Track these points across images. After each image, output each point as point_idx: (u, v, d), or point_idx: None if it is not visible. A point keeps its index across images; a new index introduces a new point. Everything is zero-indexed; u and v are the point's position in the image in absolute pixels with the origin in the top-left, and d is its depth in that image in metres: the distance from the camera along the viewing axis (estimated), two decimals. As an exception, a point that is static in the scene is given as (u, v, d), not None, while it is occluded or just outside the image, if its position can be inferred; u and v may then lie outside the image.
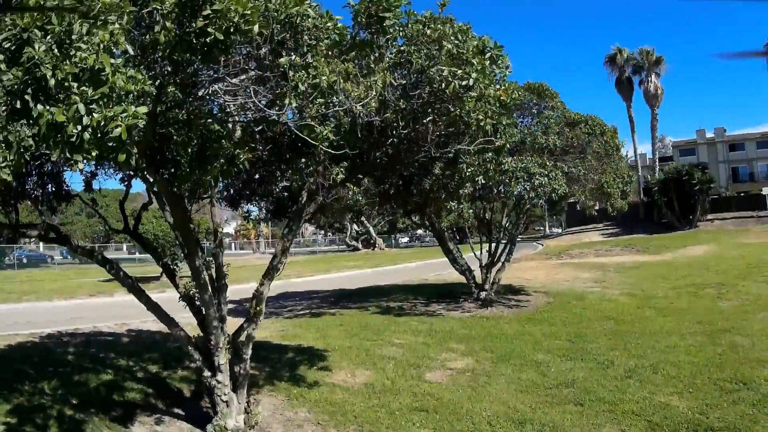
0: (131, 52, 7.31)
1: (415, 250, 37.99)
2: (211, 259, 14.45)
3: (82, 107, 6.39)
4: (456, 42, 10.55)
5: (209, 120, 9.13)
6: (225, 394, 13.51)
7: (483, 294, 28.84)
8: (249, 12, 7.38)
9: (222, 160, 10.00)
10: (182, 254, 14.13)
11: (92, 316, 25.67)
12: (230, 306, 29.71)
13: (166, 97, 8.94)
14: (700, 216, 75.90)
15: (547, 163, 24.38)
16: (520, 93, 25.52)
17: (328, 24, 9.19)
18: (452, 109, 10.71)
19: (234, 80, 9.03)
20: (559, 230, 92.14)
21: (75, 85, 6.50)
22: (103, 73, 6.54)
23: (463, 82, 10.28)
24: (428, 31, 10.42)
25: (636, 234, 69.86)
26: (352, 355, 20.04)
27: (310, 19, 8.69)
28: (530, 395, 15.77)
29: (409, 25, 10.41)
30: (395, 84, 10.75)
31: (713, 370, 16.65)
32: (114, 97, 6.61)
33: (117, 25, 7.10)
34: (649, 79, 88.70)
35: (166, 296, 15.50)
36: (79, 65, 6.51)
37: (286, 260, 14.74)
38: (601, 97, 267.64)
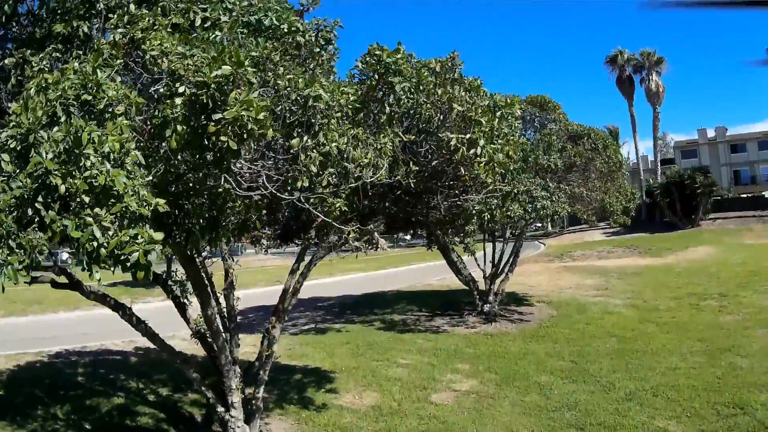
0: (142, 161, 7.33)
1: (418, 250, 37.93)
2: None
3: (98, 232, 6.50)
4: (466, 102, 10.66)
5: (220, 191, 9.21)
6: (239, 427, 13.66)
7: (487, 307, 28.78)
8: (262, 117, 7.46)
9: (234, 224, 10.18)
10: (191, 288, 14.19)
11: (98, 331, 25.54)
12: (238, 319, 29.93)
13: (176, 168, 9.05)
14: (702, 216, 75.56)
15: (550, 185, 24.38)
16: (522, 106, 25.95)
17: (341, 100, 9.30)
18: (463, 172, 10.82)
19: (246, 164, 9.19)
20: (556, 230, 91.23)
21: (87, 199, 6.61)
22: (115, 190, 6.63)
23: (471, 151, 10.41)
24: (439, 91, 10.54)
25: (638, 234, 69.43)
26: (358, 376, 20.12)
27: (322, 101, 8.80)
28: (533, 418, 15.91)
29: (421, 86, 10.51)
30: (405, 140, 10.86)
31: (712, 395, 16.74)
32: (128, 217, 6.71)
33: (126, 121, 7.25)
34: (651, 77, 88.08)
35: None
36: (89, 180, 6.59)
37: (295, 300, 14.83)
38: (601, 97, 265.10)
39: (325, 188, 9.33)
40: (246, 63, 7.78)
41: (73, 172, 6.67)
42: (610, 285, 38.00)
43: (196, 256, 13.03)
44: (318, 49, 10.98)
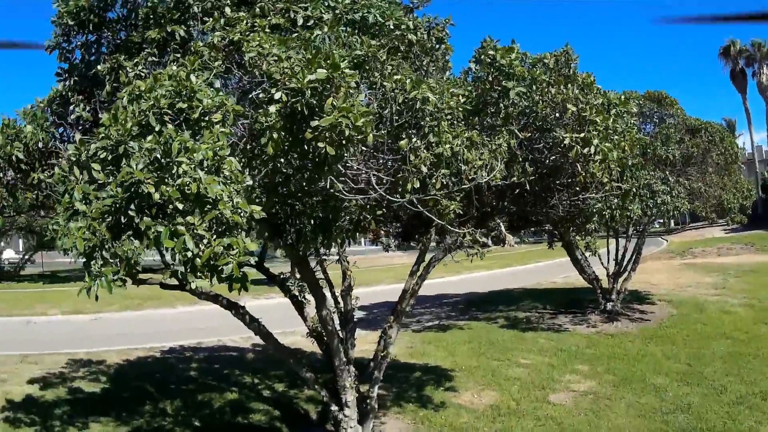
0: (239, 167, 6.79)
1: (545, 246, 37.76)
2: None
3: (190, 242, 6.09)
4: (579, 101, 9.88)
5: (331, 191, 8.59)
6: (351, 427, 13.18)
7: (609, 305, 27.75)
8: (362, 124, 6.81)
9: (347, 225, 9.62)
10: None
11: (216, 326, 25.13)
12: (360, 314, 29.44)
13: (283, 170, 8.50)
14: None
15: (670, 179, 23.44)
16: (640, 101, 25.24)
17: (450, 102, 8.56)
18: (579, 171, 10.04)
19: (354, 165, 8.51)
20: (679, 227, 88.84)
21: (180, 206, 6.20)
22: (209, 198, 6.19)
23: (585, 150, 9.65)
24: (552, 90, 9.74)
25: (755, 231, 66.72)
26: (478, 375, 19.54)
27: (430, 104, 8.05)
28: (647, 421, 15.25)
29: (534, 87, 9.72)
30: (519, 138, 10.11)
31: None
32: (223, 225, 6.29)
33: (222, 129, 6.74)
34: (762, 71, 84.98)
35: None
36: (182, 188, 6.18)
37: (413, 301, 14.28)
38: (717, 88, 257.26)
39: (438, 190, 8.68)
40: (343, 65, 7.07)
41: (166, 180, 6.28)
42: (728, 284, 36.47)
43: (310, 257, 12.63)
44: (431, 46, 10.36)
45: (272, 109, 7.03)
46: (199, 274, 6.17)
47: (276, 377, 19.23)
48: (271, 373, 19.64)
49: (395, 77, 8.17)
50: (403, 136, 8.19)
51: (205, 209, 6.23)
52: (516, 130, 9.93)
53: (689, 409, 15.77)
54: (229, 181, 6.50)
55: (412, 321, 29.44)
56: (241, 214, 6.27)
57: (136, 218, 6.36)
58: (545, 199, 11.83)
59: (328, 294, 13.82)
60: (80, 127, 10.01)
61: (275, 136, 6.98)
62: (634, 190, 12.43)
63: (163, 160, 6.30)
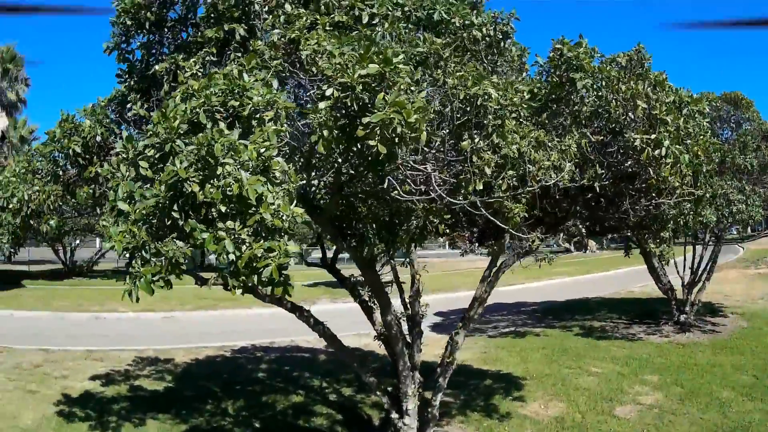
0: (285, 168, 6.49)
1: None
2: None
3: (230, 246, 5.87)
4: (651, 99, 9.34)
5: (394, 193, 8.20)
6: (411, 436, 12.87)
7: (683, 317, 27.16)
8: (414, 120, 6.40)
9: (413, 229, 9.23)
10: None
11: (291, 327, 25.08)
12: (436, 320, 29.20)
13: (346, 169, 8.15)
14: None
15: (746, 188, 22.78)
16: (717, 104, 24.58)
17: (514, 99, 8.08)
18: (651, 175, 9.49)
19: (414, 164, 8.07)
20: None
21: (223, 208, 6.00)
22: (251, 200, 5.93)
23: (656, 152, 9.14)
24: (623, 87, 9.21)
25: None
26: (548, 384, 19.14)
27: (492, 101, 7.58)
28: None
29: (603, 82, 9.20)
30: (591, 141, 9.60)
31: None
32: (263, 231, 6.03)
33: (273, 127, 6.44)
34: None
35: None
36: (224, 189, 5.97)
37: (482, 309, 13.92)
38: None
39: (504, 192, 8.23)
40: (396, 60, 6.66)
41: (211, 180, 6.06)
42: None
43: (379, 259, 12.36)
44: (498, 42, 9.92)
45: (322, 105, 6.69)
46: (242, 278, 5.99)
47: (345, 381, 19.02)
48: (341, 376, 19.43)
49: (458, 74, 7.72)
50: (466, 137, 7.77)
51: (249, 212, 6.01)
52: (588, 133, 9.46)
53: (749, 427, 15.25)
54: (276, 182, 6.23)
55: (489, 327, 29.16)
56: (283, 218, 6.00)
57: (180, 220, 6.19)
58: (618, 204, 11.31)
59: (396, 300, 13.63)
60: (138, 125, 9.82)
61: (326, 133, 6.63)
62: (707, 195, 11.81)
63: (208, 159, 6.08)
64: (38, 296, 35.24)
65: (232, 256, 5.87)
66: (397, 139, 6.43)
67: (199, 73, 8.35)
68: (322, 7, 8.93)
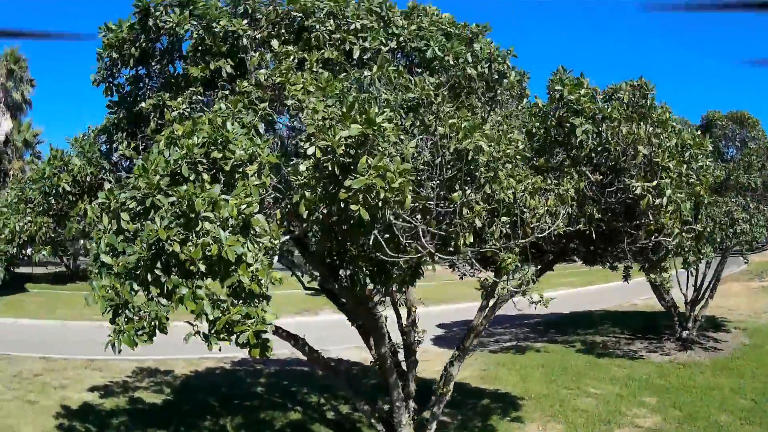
0: (266, 226, 6.30)
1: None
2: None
3: (208, 308, 5.86)
4: (652, 143, 9.10)
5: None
6: (407, 462, 12.80)
7: (685, 333, 26.92)
8: (398, 185, 6.17)
9: (406, 271, 9.00)
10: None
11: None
12: (439, 332, 28.92)
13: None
14: None
15: (750, 206, 22.51)
16: (722, 122, 24.29)
17: (508, 151, 7.83)
18: (650, 220, 9.26)
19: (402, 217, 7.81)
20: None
21: (202, 267, 5.92)
22: (230, 260, 5.86)
23: (657, 201, 8.96)
24: (624, 130, 8.95)
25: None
26: (546, 405, 18.90)
27: (484, 154, 7.31)
28: None
29: (604, 125, 8.94)
30: (591, 180, 9.37)
31: None
32: (241, 293, 5.97)
33: (256, 182, 6.30)
34: None
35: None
36: (203, 248, 5.88)
37: (477, 341, 13.75)
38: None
39: (497, 240, 7.97)
40: (381, 119, 6.37)
41: (191, 237, 5.96)
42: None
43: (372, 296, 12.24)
44: (495, 80, 9.71)
45: (303, 167, 6.48)
46: (220, 336, 6.00)
47: (342, 397, 18.74)
48: (339, 392, 19.08)
49: (450, 121, 7.45)
50: (456, 188, 7.50)
51: (229, 270, 5.93)
52: (587, 171, 9.22)
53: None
54: (257, 240, 6.10)
55: (491, 341, 28.84)
56: (261, 283, 5.94)
57: (162, 277, 6.08)
58: (616, 241, 11.06)
59: (393, 327, 13.52)
60: (124, 164, 9.66)
61: (308, 194, 6.44)
62: (708, 230, 11.60)
63: (188, 216, 5.97)
64: (41, 303, 35.07)
65: (211, 317, 5.80)
66: (380, 204, 6.18)
67: (186, 113, 8.16)
68: (313, 40, 8.72)
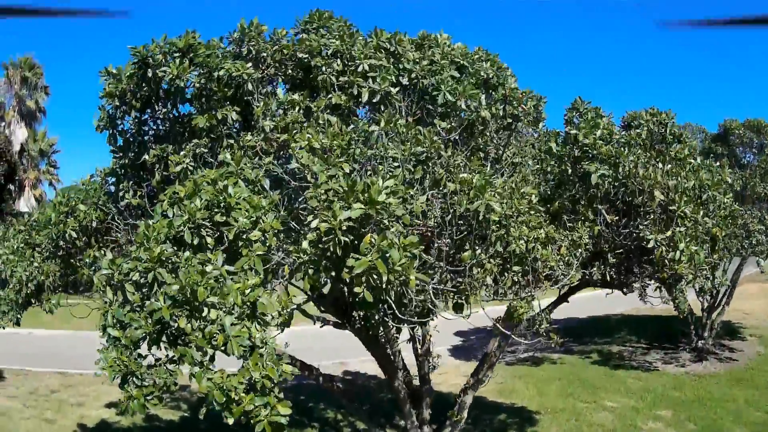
0: (276, 308, 6.14)
1: None
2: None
3: (220, 397, 5.79)
4: (669, 190, 8.88)
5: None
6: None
7: (701, 343, 26.60)
8: (401, 268, 5.93)
9: (417, 311, 8.80)
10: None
11: (305, 347, 24.88)
12: (456, 341, 28.66)
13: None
14: None
15: (766, 216, 22.26)
16: (740, 131, 24.24)
17: (521, 207, 7.58)
18: (664, 269, 9.03)
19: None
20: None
21: (210, 351, 5.93)
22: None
23: (670, 255, 8.77)
24: (641, 172, 8.73)
25: None
26: (563, 419, 18.77)
27: (495, 214, 7.07)
28: None
29: (619, 169, 8.72)
30: (605, 220, 9.17)
31: None
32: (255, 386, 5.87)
33: (260, 251, 6.20)
34: None
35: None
36: (208, 336, 5.84)
37: (491, 373, 13.71)
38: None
39: (509, 288, 7.75)
40: (382, 197, 6.09)
41: (195, 316, 5.88)
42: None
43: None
44: (508, 123, 9.50)
45: (305, 244, 6.27)
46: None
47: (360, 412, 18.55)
48: (364, 406, 18.61)
49: (461, 176, 7.20)
50: (467, 247, 7.27)
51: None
52: (603, 210, 9.00)
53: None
54: (264, 320, 6.04)
55: (507, 350, 28.16)
56: (272, 379, 5.88)
57: (170, 350, 6.12)
58: (629, 273, 10.88)
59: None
60: (131, 212, 9.46)
61: (311, 272, 6.23)
62: (725, 260, 11.41)
63: (192, 302, 5.87)
64: (57, 312, 35.02)
65: (224, 400, 5.78)
66: (383, 286, 5.96)
67: (190, 167, 7.96)
68: (320, 83, 8.49)
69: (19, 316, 10.23)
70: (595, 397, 21.03)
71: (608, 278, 11.16)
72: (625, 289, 12.22)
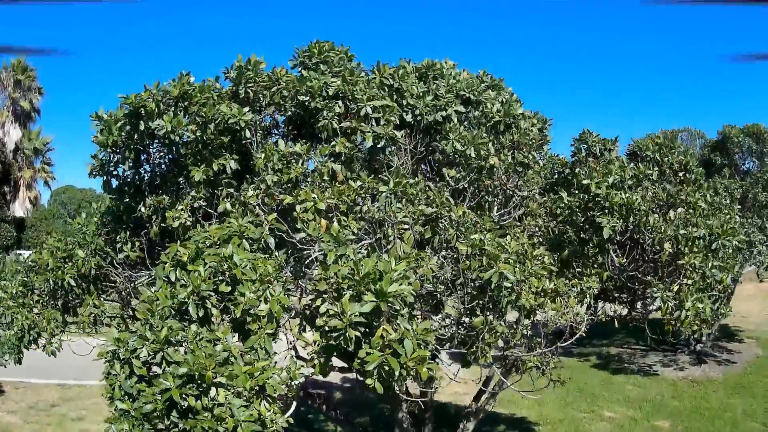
0: (283, 390, 6.01)
1: None
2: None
3: None
4: (679, 241, 8.80)
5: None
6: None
7: (699, 346, 26.77)
8: (413, 363, 5.80)
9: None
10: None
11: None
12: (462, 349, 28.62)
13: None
14: None
15: (767, 225, 22.49)
16: (739, 138, 24.18)
17: (532, 269, 7.40)
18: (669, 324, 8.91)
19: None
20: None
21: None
22: None
23: (676, 314, 8.93)
24: (651, 221, 8.65)
25: None
26: (561, 431, 18.83)
27: (508, 281, 6.84)
28: None
29: (631, 218, 8.60)
30: (615, 265, 9.02)
31: None
32: None
33: (269, 328, 6.10)
34: None
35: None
36: (218, 418, 5.66)
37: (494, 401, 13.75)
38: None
39: (518, 340, 7.60)
40: (392, 288, 5.80)
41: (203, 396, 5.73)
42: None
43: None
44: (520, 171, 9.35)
45: (316, 336, 6.11)
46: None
47: (360, 425, 18.24)
48: (357, 419, 18.73)
49: (472, 237, 6.97)
50: (478, 313, 7.08)
51: None
52: (611, 251, 8.84)
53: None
54: (274, 398, 5.94)
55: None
56: None
57: (180, 424, 5.88)
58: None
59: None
60: (128, 263, 9.21)
61: (322, 360, 6.04)
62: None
63: (200, 385, 5.74)
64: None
65: None
66: (394, 379, 5.78)
67: (188, 222, 7.73)
68: (319, 127, 8.21)
69: (20, 355, 9.98)
70: (594, 407, 21.04)
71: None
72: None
